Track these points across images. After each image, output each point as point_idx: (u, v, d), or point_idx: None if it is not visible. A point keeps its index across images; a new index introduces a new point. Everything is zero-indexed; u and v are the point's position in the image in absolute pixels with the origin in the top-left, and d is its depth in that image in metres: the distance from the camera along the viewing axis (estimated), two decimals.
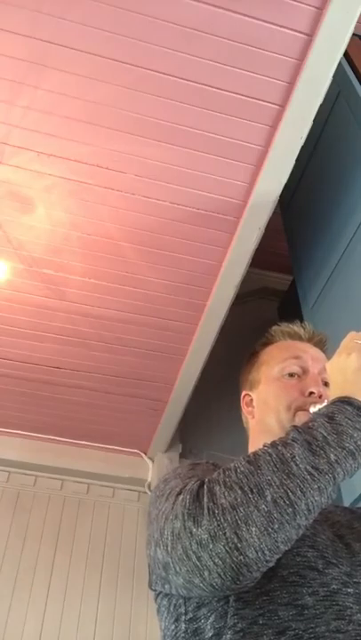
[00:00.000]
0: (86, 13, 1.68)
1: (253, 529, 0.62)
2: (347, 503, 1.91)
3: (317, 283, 2.58)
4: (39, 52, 1.74)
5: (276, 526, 0.62)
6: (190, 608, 0.72)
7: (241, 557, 0.61)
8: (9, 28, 1.71)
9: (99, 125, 1.90)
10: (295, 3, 1.66)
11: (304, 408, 0.89)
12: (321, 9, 1.66)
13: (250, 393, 1.01)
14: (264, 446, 0.70)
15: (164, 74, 1.79)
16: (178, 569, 0.66)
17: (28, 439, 2.98)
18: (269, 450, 0.69)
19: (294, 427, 0.72)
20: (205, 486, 0.67)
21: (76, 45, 1.74)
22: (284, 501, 0.63)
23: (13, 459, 2.94)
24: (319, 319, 2.46)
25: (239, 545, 0.61)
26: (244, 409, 1.02)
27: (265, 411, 0.95)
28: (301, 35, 1.71)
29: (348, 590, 0.70)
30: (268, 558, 0.63)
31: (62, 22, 1.69)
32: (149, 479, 3.05)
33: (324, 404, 0.84)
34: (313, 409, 0.86)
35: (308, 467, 0.65)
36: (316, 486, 0.64)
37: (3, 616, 2.47)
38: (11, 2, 1.66)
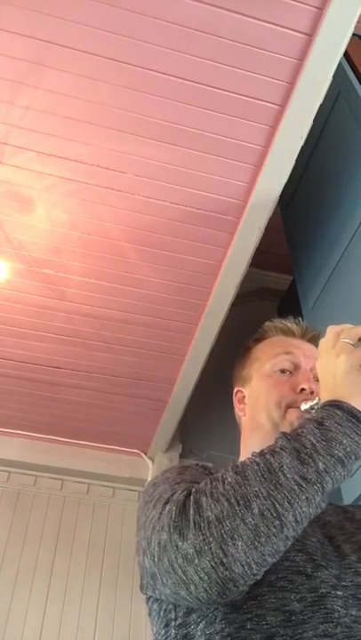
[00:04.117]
0: (86, 13, 1.68)
1: (240, 543, 0.60)
2: (347, 502, 1.91)
3: (317, 283, 2.57)
4: (39, 51, 1.74)
5: (263, 540, 0.61)
6: (180, 614, 0.71)
7: (227, 572, 0.60)
8: (9, 28, 1.71)
9: (99, 125, 1.90)
10: (295, 3, 1.67)
11: (295, 405, 0.87)
12: (321, 9, 1.66)
13: (242, 389, 1.00)
14: (252, 455, 0.68)
15: (164, 74, 1.79)
16: (164, 580, 0.65)
17: (28, 439, 2.98)
18: (257, 459, 0.66)
19: (283, 434, 0.69)
20: (192, 497, 0.65)
21: (76, 45, 1.74)
22: (272, 514, 0.61)
23: (13, 459, 2.94)
24: (319, 319, 2.46)
25: (225, 560, 0.60)
26: (237, 406, 1.00)
27: (256, 407, 0.93)
28: (301, 35, 1.71)
29: (338, 593, 0.69)
30: (255, 572, 0.61)
31: (62, 22, 1.69)
32: (149, 479, 3.05)
33: (316, 400, 0.83)
34: (304, 406, 0.85)
35: (295, 476, 0.63)
36: (304, 497, 0.62)
37: (3, 616, 2.47)
38: (11, 2, 1.66)
